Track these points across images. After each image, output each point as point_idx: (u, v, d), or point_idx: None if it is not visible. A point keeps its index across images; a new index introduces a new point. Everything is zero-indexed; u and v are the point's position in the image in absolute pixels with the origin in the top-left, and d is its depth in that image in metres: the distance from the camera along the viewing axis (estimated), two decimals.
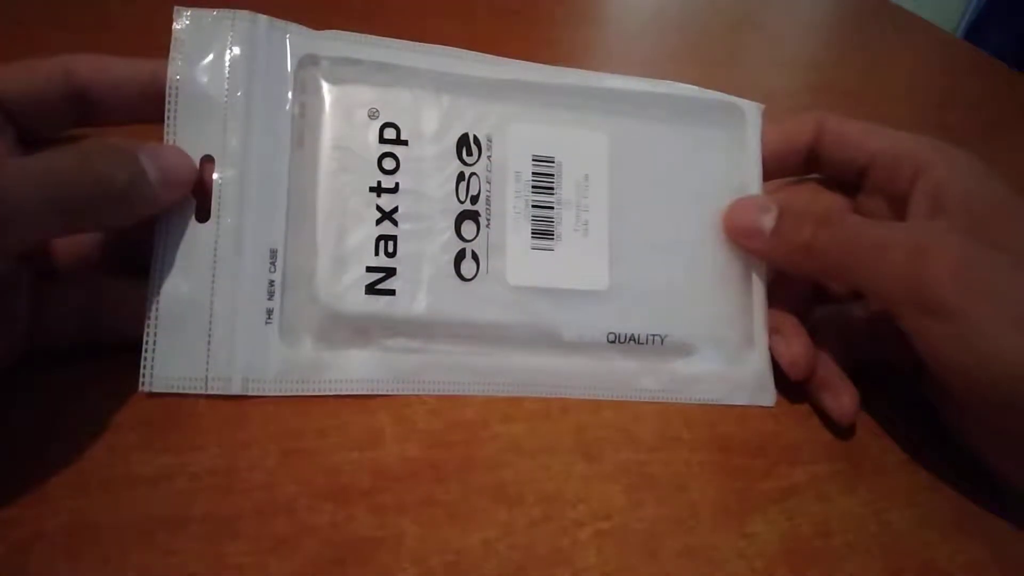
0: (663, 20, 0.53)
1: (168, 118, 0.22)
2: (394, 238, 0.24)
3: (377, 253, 0.23)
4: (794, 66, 0.50)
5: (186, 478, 0.20)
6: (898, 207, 0.25)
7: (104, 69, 0.22)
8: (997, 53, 0.55)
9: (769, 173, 0.27)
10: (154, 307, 0.21)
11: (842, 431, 0.25)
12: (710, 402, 0.25)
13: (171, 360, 0.21)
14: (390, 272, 0.23)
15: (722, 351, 0.26)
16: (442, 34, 0.26)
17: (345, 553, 0.19)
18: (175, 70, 0.22)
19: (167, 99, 0.22)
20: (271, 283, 0.22)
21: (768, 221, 0.25)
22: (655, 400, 0.25)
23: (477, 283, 0.24)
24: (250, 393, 0.22)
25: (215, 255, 0.22)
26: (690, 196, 0.27)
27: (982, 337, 0.20)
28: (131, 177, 0.19)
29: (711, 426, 0.25)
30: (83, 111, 0.22)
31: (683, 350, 0.26)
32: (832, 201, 0.27)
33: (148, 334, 0.21)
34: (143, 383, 0.21)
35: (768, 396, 0.26)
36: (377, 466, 0.21)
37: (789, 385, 0.26)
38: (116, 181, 0.19)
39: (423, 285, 0.24)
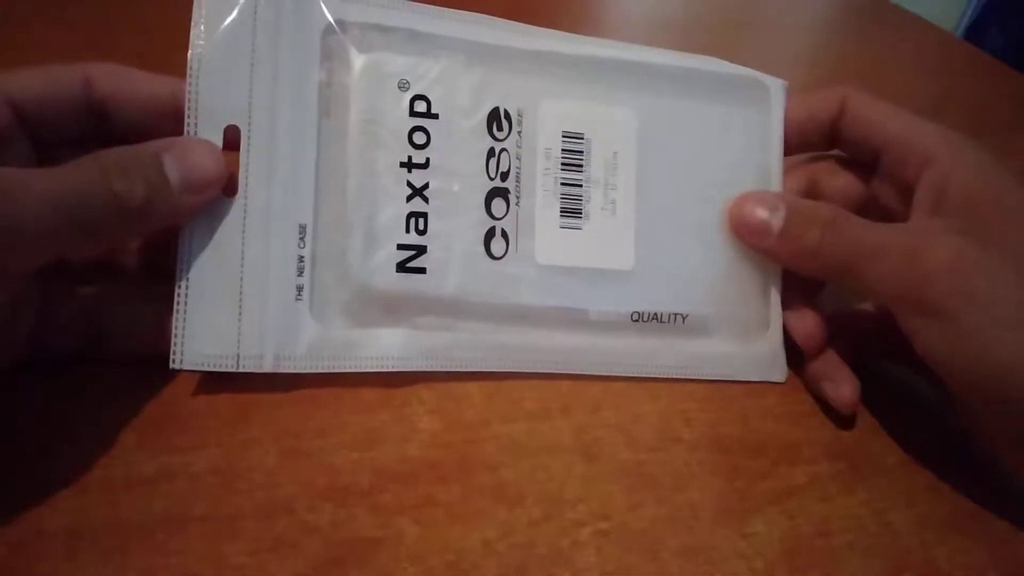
0: (662, 20, 0.53)
1: (190, 86, 0.21)
2: (424, 215, 0.23)
3: (408, 230, 0.23)
4: (794, 66, 0.50)
5: (186, 478, 0.20)
6: (906, 196, 0.25)
7: (124, 82, 0.21)
8: (997, 53, 0.54)
9: (791, 147, 0.27)
10: (183, 283, 0.21)
11: (842, 431, 0.25)
12: (724, 378, 0.26)
13: (202, 337, 0.21)
14: (421, 250, 0.23)
15: (739, 329, 0.26)
16: None
17: (345, 553, 0.19)
18: (197, 34, 0.21)
19: (188, 64, 0.21)
20: (300, 259, 0.22)
21: (776, 221, 0.25)
22: (672, 376, 0.25)
23: (507, 262, 0.24)
24: (281, 370, 0.21)
25: (244, 230, 0.21)
26: (713, 175, 0.26)
27: (972, 336, 0.20)
28: (149, 192, 0.19)
29: (711, 426, 0.25)
30: (100, 122, 0.21)
31: (702, 329, 0.26)
32: (844, 186, 0.27)
33: (178, 311, 0.21)
34: (174, 360, 0.20)
35: (780, 373, 0.26)
36: (377, 466, 0.21)
37: (789, 385, 0.26)
38: (134, 198, 0.18)
39: (454, 263, 0.24)
